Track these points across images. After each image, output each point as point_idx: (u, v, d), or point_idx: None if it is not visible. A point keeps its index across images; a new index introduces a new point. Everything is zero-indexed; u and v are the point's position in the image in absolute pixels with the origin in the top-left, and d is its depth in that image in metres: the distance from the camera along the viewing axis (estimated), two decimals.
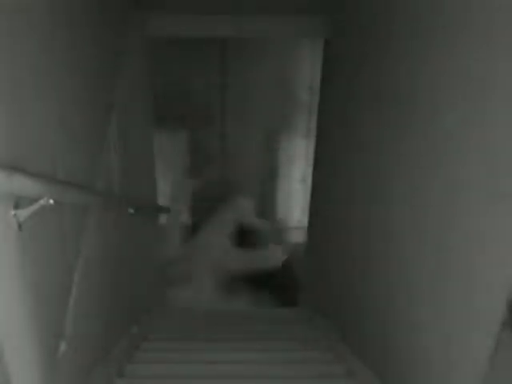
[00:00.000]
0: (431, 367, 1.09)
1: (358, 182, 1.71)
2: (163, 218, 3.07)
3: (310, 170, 3.18)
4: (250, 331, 2.34)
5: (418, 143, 1.17)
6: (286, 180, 4.29)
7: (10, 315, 0.86)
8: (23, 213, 0.86)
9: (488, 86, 0.85)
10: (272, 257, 3.78)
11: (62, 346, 1.11)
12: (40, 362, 0.99)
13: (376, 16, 1.53)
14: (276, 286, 3.27)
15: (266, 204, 4.06)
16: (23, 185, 0.80)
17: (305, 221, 3.44)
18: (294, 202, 4.39)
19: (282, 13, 2.18)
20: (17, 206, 0.84)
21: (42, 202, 0.90)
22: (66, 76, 1.17)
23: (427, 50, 1.12)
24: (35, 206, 0.89)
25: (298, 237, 3.81)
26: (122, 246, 1.81)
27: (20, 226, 0.86)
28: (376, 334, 1.50)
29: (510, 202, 0.78)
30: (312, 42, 3.77)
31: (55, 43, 1.10)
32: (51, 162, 1.06)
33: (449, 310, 1.01)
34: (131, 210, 1.82)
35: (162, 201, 2.96)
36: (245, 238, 3.94)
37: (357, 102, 1.74)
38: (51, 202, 0.93)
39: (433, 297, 1.08)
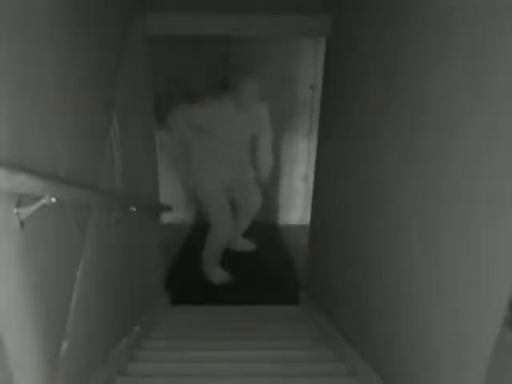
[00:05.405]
0: (431, 367, 1.09)
1: (360, 180, 1.71)
2: (165, 217, 3.08)
3: (311, 169, 3.18)
4: (251, 329, 2.35)
5: (420, 141, 1.17)
6: (288, 178, 4.30)
7: (11, 314, 0.86)
8: (25, 211, 0.86)
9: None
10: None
11: (64, 345, 1.11)
12: (42, 361, 0.99)
13: (376, 14, 1.52)
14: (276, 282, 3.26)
15: (268, 202, 4.05)
16: (25, 183, 0.81)
17: (307, 219, 3.45)
18: (296, 201, 4.40)
19: (282, 12, 2.18)
20: (19, 205, 0.85)
21: (44, 200, 0.91)
22: (67, 75, 1.17)
23: (430, 48, 1.12)
24: (37, 205, 0.89)
25: (299, 235, 3.80)
26: (125, 244, 1.81)
27: (22, 224, 0.86)
28: (379, 334, 1.50)
29: (511, 202, 0.78)
30: (314, 41, 3.76)
31: (56, 42, 1.10)
32: (53, 161, 1.06)
33: (449, 310, 1.01)
34: (133, 209, 1.83)
35: (164, 199, 2.97)
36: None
37: (359, 100, 1.74)
38: (53, 200, 0.93)
39: (434, 296, 1.08)
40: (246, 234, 3.67)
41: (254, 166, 3.24)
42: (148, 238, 2.45)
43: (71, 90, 1.21)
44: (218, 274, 3.15)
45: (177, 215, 3.94)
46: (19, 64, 0.89)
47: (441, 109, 1.05)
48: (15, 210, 0.84)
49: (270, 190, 4.15)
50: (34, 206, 0.88)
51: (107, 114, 1.59)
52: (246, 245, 3.68)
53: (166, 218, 3.24)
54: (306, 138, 4.15)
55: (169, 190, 3.61)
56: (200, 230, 3.69)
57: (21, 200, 0.85)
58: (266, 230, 4.20)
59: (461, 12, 0.96)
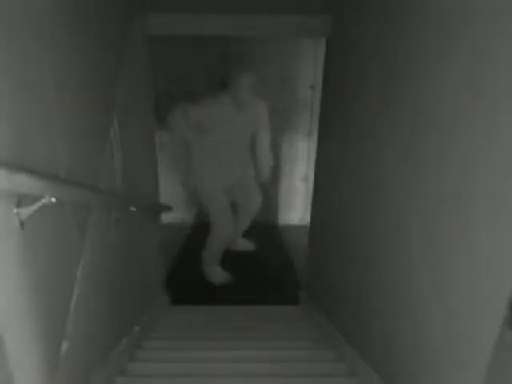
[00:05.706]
0: (431, 367, 1.09)
1: (360, 180, 1.71)
2: (165, 217, 3.07)
3: (311, 169, 3.18)
4: (251, 329, 2.35)
5: (420, 141, 1.17)
6: (288, 178, 4.30)
7: (11, 314, 0.86)
8: (25, 211, 0.86)
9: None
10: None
11: (64, 345, 1.11)
12: (42, 361, 0.99)
13: (376, 14, 1.52)
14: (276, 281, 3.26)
15: (268, 202, 4.05)
16: (25, 183, 0.81)
17: (307, 219, 3.44)
18: (296, 201, 4.40)
19: (282, 12, 2.18)
20: (19, 205, 0.85)
21: (44, 200, 0.91)
22: (67, 75, 1.17)
23: (430, 48, 1.12)
24: (37, 205, 0.89)
25: (299, 235, 3.80)
26: (125, 244, 1.81)
27: (22, 224, 0.86)
28: (379, 334, 1.50)
29: (511, 202, 0.78)
30: (314, 41, 3.76)
31: (56, 42, 1.10)
32: (53, 161, 1.06)
33: (449, 310, 1.01)
34: (133, 209, 1.83)
35: (164, 199, 2.96)
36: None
37: (359, 100, 1.74)
38: (53, 200, 0.93)
39: (434, 296, 1.08)
40: (246, 234, 3.66)
41: (254, 166, 3.24)
42: (148, 237, 2.45)
43: (71, 90, 1.21)
44: (218, 274, 3.15)
45: (177, 215, 3.94)
46: (19, 64, 0.89)
47: (441, 109, 1.05)
48: (15, 210, 0.84)
49: (270, 189, 4.15)
50: (34, 206, 0.88)
51: (107, 114, 1.59)
52: (246, 245, 3.68)
53: (166, 218, 3.24)
54: (306, 138, 4.15)
55: (169, 190, 3.60)
56: (200, 230, 3.69)
57: (21, 200, 0.85)
58: (266, 230, 4.20)
59: (461, 12, 0.96)
